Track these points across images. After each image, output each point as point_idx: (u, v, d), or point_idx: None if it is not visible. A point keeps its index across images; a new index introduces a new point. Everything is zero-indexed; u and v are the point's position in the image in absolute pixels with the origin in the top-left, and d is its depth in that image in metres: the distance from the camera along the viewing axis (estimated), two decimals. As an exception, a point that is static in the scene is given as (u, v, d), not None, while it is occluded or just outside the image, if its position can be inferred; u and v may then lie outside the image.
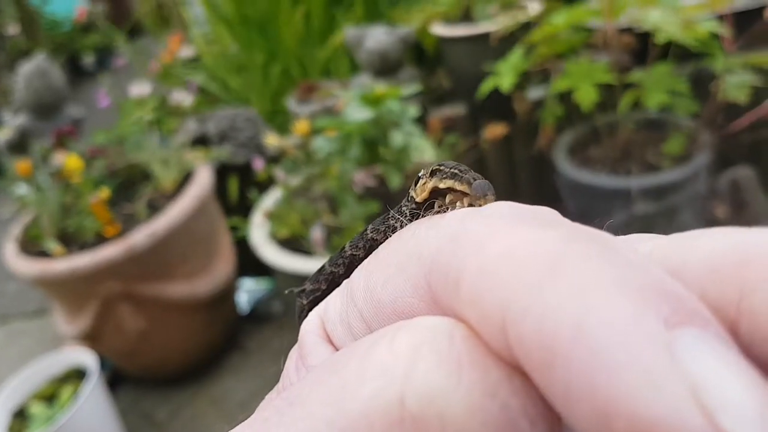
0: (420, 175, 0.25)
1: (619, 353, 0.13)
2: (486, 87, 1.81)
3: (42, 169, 1.95)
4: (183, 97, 2.44)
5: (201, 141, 2.25)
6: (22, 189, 1.92)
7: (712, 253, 0.16)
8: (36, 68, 2.36)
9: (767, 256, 0.15)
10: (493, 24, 2.04)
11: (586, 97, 1.63)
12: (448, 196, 0.24)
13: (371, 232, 0.26)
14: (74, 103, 2.63)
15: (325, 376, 0.18)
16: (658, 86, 1.63)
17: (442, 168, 0.24)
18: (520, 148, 2.14)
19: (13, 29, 5.35)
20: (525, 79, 1.90)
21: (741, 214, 1.87)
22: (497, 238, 0.16)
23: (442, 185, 0.24)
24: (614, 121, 1.89)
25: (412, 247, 0.20)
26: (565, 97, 1.74)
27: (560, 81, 1.71)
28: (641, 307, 0.13)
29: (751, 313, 0.15)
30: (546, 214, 0.19)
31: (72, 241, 1.83)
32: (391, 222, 0.26)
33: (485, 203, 0.21)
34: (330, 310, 0.24)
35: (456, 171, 0.23)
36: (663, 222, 1.77)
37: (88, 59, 5.69)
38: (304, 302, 0.30)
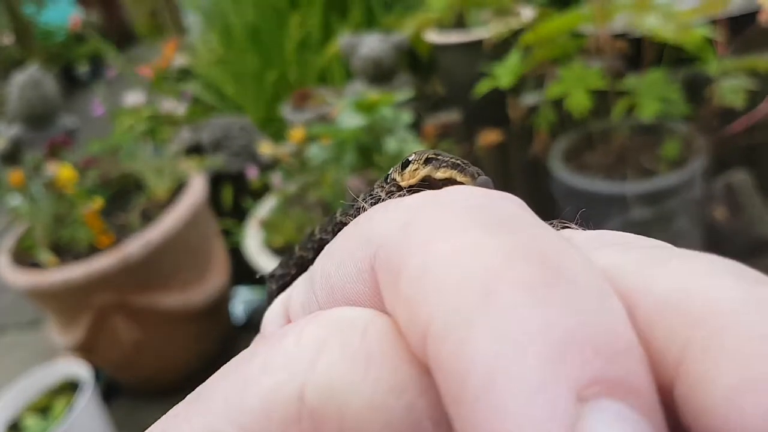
0: (410, 159, 0.24)
1: (517, 425, 0.11)
2: (482, 87, 1.81)
3: (35, 180, 1.94)
4: (176, 106, 2.43)
5: (195, 150, 2.24)
6: (15, 200, 1.91)
7: (672, 291, 0.14)
8: (29, 79, 2.35)
9: (724, 318, 0.13)
10: (487, 30, 2.04)
11: (579, 103, 1.63)
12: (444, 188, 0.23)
13: (340, 216, 0.25)
14: (68, 112, 2.62)
15: (232, 369, 0.17)
16: (652, 93, 1.63)
17: (439, 157, 0.23)
18: (516, 154, 2.14)
19: (6, 39, 5.34)
20: (520, 84, 1.90)
21: (737, 218, 1.86)
22: (446, 236, 0.15)
23: (439, 174, 0.22)
24: (609, 126, 1.88)
25: (366, 231, 0.18)
26: (560, 103, 1.73)
27: (554, 87, 1.71)
28: (555, 372, 0.12)
29: (686, 382, 0.13)
30: (508, 207, 0.17)
31: (65, 252, 1.82)
32: (362, 204, 0.25)
33: None
34: (293, 298, 0.23)
35: (458, 161, 0.22)
36: (659, 227, 1.77)
37: (83, 68, 5.68)
38: (274, 287, 0.29)
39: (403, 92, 1.86)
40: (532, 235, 0.15)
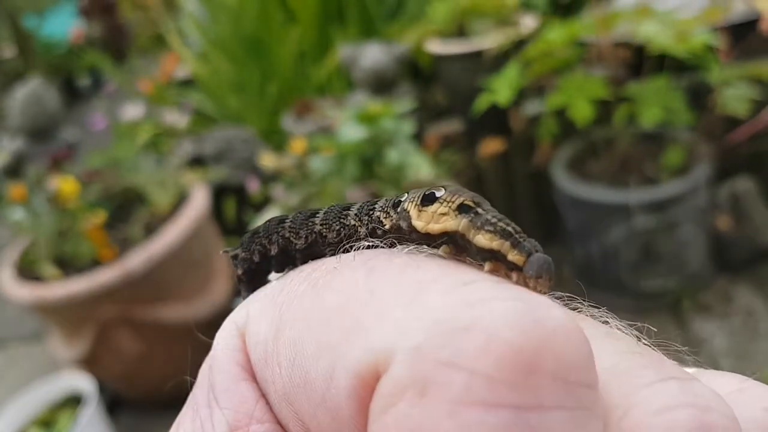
0: (438, 196, 0.18)
1: None
2: (482, 103, 1.80)
3: (37, 194, 1.93)
4: (178, 118, 2.43)
5: (197, 162, 2.24)
6: (17, 214, 1.91)
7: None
8: (31, 93, 2.36)
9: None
10: (488, 40, 2.04)
11: (581, 113, 1.63)
12: (488, 264, 0.17)
13: (321, 226, 0.22)
14: (69, 125, 2.63)
15: None
16: (653, 101, 1.63)
17: (481, 212, 0.17)
18: (518, 163, 2.13)
19: (8, 51, 5.35)
20: (521, 95, 1.89)
21: (742, 226, 1.86)
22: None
23: (480, 239, 0.17)
24: (611, 134, 1.88)
25: (377, 321, 0.16)
26: (562, 112, 1.73)
27: (555, 97, 1.70)
28: None
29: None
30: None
31: (68, 266, 1.82)
32: (350, 222, 0.21)
33: (538, 288, 0.17)
34: (252, 329, 0.20)
35: (508, 228, 0.17)
36: (664, 236, 1.76)
37: (84, 81, 5.69)
38: (239, 272, 0.26)
39: (405, 103, 1.86)
40: None
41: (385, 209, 0.20)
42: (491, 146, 2.08)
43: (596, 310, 0.19)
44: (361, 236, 0.20)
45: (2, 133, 2.53)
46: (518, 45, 1.94)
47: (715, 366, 1.82)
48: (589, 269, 1.99)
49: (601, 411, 0.15)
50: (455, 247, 0.18)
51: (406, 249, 0.19)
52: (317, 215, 0.23)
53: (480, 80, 1.89)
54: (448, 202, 0.18)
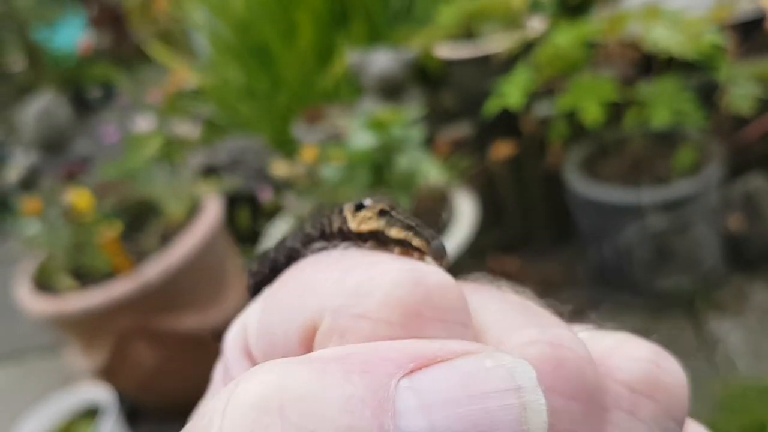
0: (365, 204, 0.24)
1: None
2: (492, 107, 1.81)
3: (52, 207, 1.95)
4: (189, 129, 2.45)
5: (209, 172, 2.25)
6: (32, 227, 1.92)
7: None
8: (44, 106, 2.38)
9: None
10: (497, 44, 2.04)
11: (591, 114, 1.63)
12: (396, 248, 0.23)
13: (310, 228, 0.27)
14: (82, 137, 2.65)
15: None
16: (663, 102, 1.63)
17: (394, 214, 0.23)
18: (530, 166, 2.14)
19: (18, 65, 5.40)
20: (531, 97, 1.90)
21: (755, 225, 1.85)
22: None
23: (392, 233, 0.23)
24: (623, 135, 1.88)
25: (314, 294, 0.21)
26: (573, 113, 1.73)
27: (565, 99, 1.71)
28: None
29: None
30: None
31: (85, 278, 1.83)
32: (308, 230, 0.26)
33: (442, 264, 0.22)
34: (250, 323, 0.25)
35: (412, 224, 0.23)
36: (676, 235, 1.76)
37: (94, 92, 5.72)
38: (251, 282, 0.30)
39: (414, 109, 1.87)
40: None
41: (335, 213, 0.26)
42: (502, 149, 2.08)
43: (508, 285, 0.24)
44: (315, 239, 0.26)
45: (15, 147, 2.55)
46: (527, 47, 1.94)
47: (732, 365, 1.82)
48: (603, 270, 1.99)
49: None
50: (378, 242, 0.24)
51: (342, 246, 0.25)
52: (308, 221, 0.28)
53: (489, 84, 1.90)
54: (372, 209, 0.24)
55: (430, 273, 0.20)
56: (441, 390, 0.16)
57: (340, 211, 0.25)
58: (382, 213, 0.23)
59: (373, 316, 0.19)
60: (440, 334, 0.19)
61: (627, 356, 0.21)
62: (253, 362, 0.24)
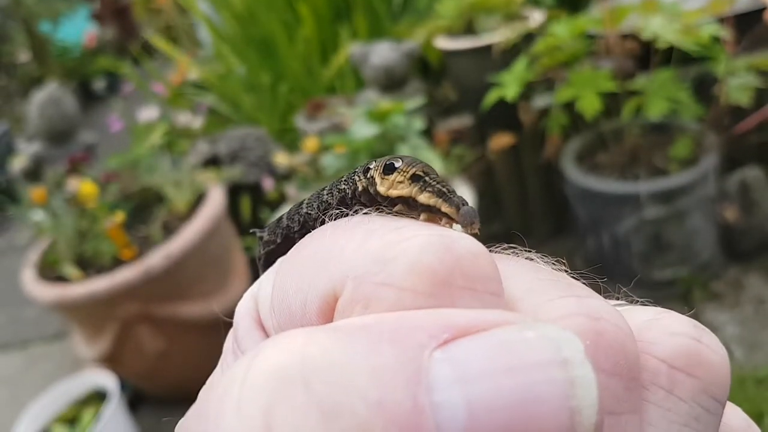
0: (396, 166, 0.23)
1: None
2: (491, 98, 1.83)
3: (57, 196, 1.98)
4: (193, 119, 2.47)
5: (212, 161, 2.28)
6: (37, 215, 1.95)
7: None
8: (49, 97, 2.40)
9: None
10: (496, 36, 2.06)
11: (590, 106, 1.65)
12: (423, 214, 0.22)
13: (327, 195, 0.25)
14: (86, 128, 2.67)
15: (193, 425, 0.18)
16: (661, 94, 1.64)
17: (428, 179, 0.22)
18: (528, 157, 2.15)
19: (24, 56, 5.42)
20: (530, 89, 1.91)
21: (751, 215, 1.87)
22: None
23: (422, 198, 0.22)
24: (620, 126, 1.90)
25: (334, 260, 0.20)
26: (571, 105, 1.75)
27: (564, 90, 1.72)
28: None
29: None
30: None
31: (89, 266, 1.86)
32: (324, 197, 0.25)
33: (471, 232, 0.20)
34: (262, 294, 0.24)
35: (444, 189, 0.21)
36: (673, 225, 1.78)
37: (99, 83, 5.75)
38: (262, 252, 0.29)
39: (415, 100, 1.89)
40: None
41: (358, 174, 0.24)
42: (501, 140, 2.10)
43: (536, 254, 0.23)
44: (333, 206, 0.24)
45: (21, 137, 2.58)
46: (526, 39, 1.95)
47: (729, 355, 1.82)
48: (601, 260, 2.01)
49: None
50: (407, 206, 0.22)
51: (363, 212, 0.23)
52: (326, 187, 0.26)
53: (489, 75, 1.91)
54: (404, 172, 0.22)
55: (460, 239, 0.18)
56: (479, 362, 0.15)
57: (366, 171, 0.24)
58: (414, 178, 0.22)
59: (398, 284, 0.17)
60: (471, 304, 0.18)
61: (665, 330, 0.20)
62: (266, 334, 0.23)
